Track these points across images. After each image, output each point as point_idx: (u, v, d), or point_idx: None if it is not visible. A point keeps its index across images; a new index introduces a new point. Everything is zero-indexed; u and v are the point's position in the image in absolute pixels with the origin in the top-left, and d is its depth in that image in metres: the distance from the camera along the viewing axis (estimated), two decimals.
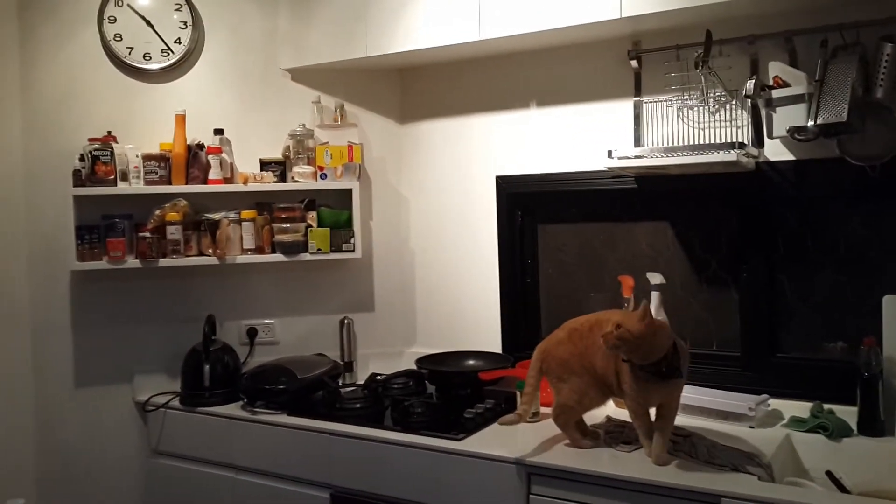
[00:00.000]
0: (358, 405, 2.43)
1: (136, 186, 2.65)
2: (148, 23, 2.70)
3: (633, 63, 2.43)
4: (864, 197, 2.18)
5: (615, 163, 2.31)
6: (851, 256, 2.22)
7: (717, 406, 2.17)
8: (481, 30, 2.43)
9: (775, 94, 2.12)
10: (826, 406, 2.12)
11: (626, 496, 1.83)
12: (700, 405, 2.19)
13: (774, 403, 2.20)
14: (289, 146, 2.81)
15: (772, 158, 2.25)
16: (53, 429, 2.71)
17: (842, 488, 1.89)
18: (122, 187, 2.63)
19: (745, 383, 2.29)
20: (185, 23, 2.73)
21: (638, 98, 2.46)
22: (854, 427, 2.04)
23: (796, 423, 2.10)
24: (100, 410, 2.73)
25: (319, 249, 2.74)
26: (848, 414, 2.06)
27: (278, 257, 2.73)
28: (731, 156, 2.10)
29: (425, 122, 2.94)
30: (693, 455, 1.89)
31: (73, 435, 2.72)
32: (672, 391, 1.89)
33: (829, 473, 1.94)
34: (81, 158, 2.60)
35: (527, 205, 2.74)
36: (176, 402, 2.62)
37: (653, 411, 1.93)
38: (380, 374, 2.66)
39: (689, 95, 2.33)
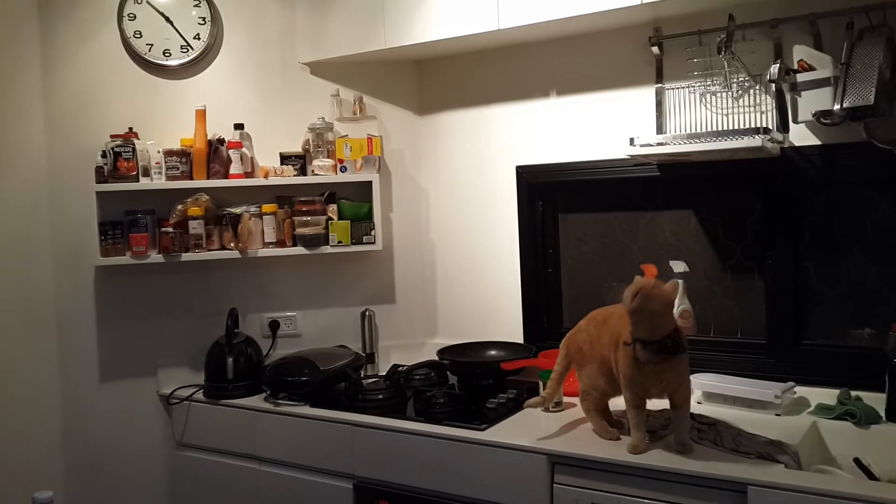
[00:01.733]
0: (380, 396, 2.43)
1: (158, 182, 2.66)
2: (167, 19, 2.72)
3: (655, 49, 2.40)
4: (893, 181, 2.14)
5: (637, 150, 2.29)
6: (879, 242, 2.19)
7: (742, 394, 2.15)
8: (499, 19, 2.42)
9: (800, 77, 2.09)
10: (853, 393, 2.09)
11: (650, 485, 1.82)
12: (725, 393, 2.17)
13: (801, 391, 2.18)
14: (308, 139, 2.82)
15: (797, 143, 2.22)
16: (80, 422, 2.74)
17: (870, 476, 1.86)
18: (144, 183, 2.65)
19: (770, 371, 2.26)
20: (203, 18, 2.74)
21: (660, 85, 2.43)
22: (882, 414, 2.01)
23: (823, 410, 2.07)
24: (125, 404, 2.76)
25: (340, 242, 2.75)
26: (876, 401, 2.04)
27: (299, 250, 2.74)
28: (756, 141, 2.07)
29: (444, 114, 2.93)
30: (719, 443, 1.88)
31: (99, 428, 2.75)
32: (676, 371, 1.84)
33: (857, 461, 1.91)
34: (104, 155, 2.62)
35: (547, 194, 2.73)
36: (200, 395, 2.65)
37: (666, 402, 1.91)
38: (401, 366, 2.66)
39: (712, 81, 2.31)
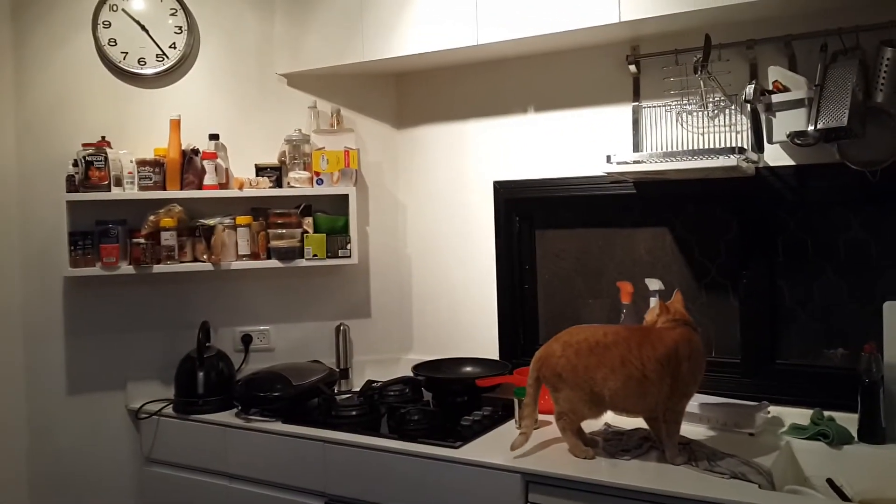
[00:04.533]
0: (354, 412, 2.40)
1: (131, 192, 2.62)
2: (143, 27, 2.68)
3: (632, 68, 2.41)
4: (865, 202, 2.16)
5: (614, 168, 2.29)
6: (852, 262, 2.20)
7: (716, 413, 2.15)
8: (478, 34, 2.42)
9: (775, 98, 2.10)
10: (826, 413, 2.10)
11: None
12: (700, 412, 2.17)
13: (774, 410, 2.19)
14: (285, 151, 2.79)
15: (772, 163, 2.24)
16: (46, 436, 2.67)
17: (843, 496, 1.87)
18: (116, 193, 2.60)
19: (744, 390, 2.27)
20: (180, 27, 2.72)
21: (637, 103, 2.44)
22: (855, 434, 2.02)
23: (796, 430, 2.08)
24: (93, 418, 2.70)
25: (315, 255, 2.72)
26: (848, 421, 2.04)
27: (274, 263, 2.71)
28: (731, 161, 2.08)
29: (422, 127, 2.92)
30: (693, 463, 1.87)
31: (66, 443, 2.68)
32: None
33: (829, 481, 1.92)
34: (75, 164, 2.57)
35: (525, 210, 2.72)
36: (169, 410, 2.60)
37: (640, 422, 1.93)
38: (376, 381, 2.64)
39: (688, 100, 2.32)
